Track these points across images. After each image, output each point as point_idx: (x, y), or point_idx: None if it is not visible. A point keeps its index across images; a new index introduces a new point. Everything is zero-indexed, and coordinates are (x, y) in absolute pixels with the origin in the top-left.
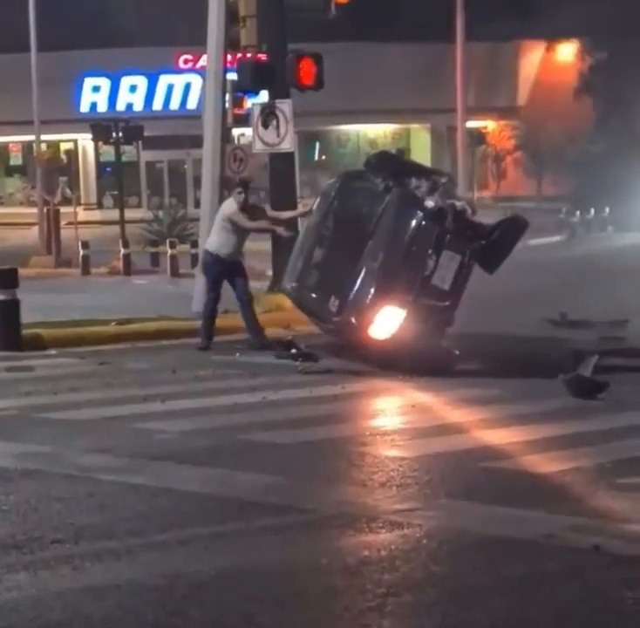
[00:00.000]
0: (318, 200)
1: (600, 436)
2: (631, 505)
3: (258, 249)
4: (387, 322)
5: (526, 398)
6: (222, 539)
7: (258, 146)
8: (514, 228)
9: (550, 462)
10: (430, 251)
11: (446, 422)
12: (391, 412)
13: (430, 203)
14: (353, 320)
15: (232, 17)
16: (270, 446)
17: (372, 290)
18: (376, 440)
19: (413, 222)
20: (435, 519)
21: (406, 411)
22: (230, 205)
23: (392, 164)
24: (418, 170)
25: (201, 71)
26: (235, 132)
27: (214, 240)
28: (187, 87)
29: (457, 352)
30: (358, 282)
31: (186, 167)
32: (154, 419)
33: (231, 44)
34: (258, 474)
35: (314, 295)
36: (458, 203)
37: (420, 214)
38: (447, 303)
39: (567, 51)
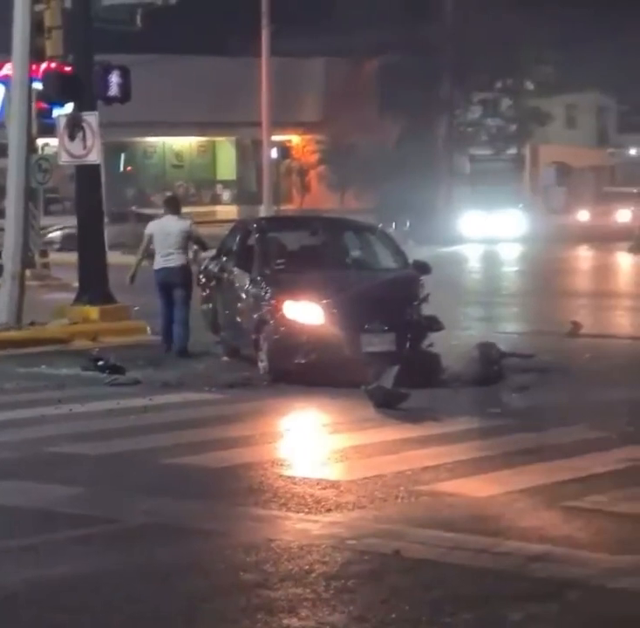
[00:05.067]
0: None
1: (403, 445)
2: (427, 511)
3: (63, 260)
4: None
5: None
6: (32, 551)
7: (65, 159)
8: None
9: (351, 471)
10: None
11: (251, 433)
12: (197, 424)
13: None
14: None
15: (38, 28)
16: (78, 457)
17: None
18: (183, 451)
19: None
20: (249, 530)
21: (213, 422)
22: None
23: None
24: None
25: (4, 80)
26: (39, 142)
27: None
28: None
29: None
30: None
31: None
32: None
33: (37, 54)
34: (67, 486)
35: None
36: None
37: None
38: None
39: (370, 67)
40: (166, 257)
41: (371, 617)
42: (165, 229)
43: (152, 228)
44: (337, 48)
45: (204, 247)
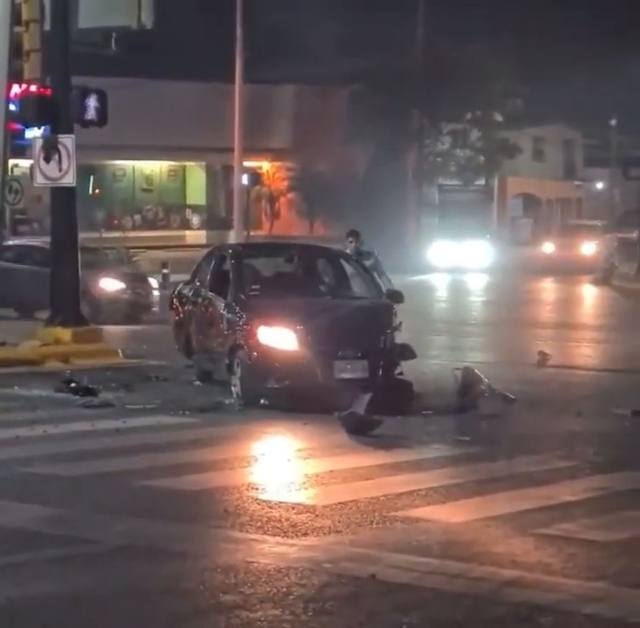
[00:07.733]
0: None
1: (376, 471)
2: (402, 536)
3: None
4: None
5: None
6: (12, 569)
7: (40, 180)
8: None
9: (327, 496)
10: None
11: (225, 457)
12: (171, 447)
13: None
14: None
15: (16, 50)
16: (54, 478)
17: None
18: (157, 474)
19: None
20: (226, 552)
21: (187, 446)
22: None
23: None
24: None
25: None
26: (9, 162)
27: None
28: None
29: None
30: None
31: None
32: None
33: (14, 76)
34: (43, 507)
35: None
36: None
37: None
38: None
39: (340, 96)
40: None
41: None
42: None
43: None
44: (307, 76)
45: None
